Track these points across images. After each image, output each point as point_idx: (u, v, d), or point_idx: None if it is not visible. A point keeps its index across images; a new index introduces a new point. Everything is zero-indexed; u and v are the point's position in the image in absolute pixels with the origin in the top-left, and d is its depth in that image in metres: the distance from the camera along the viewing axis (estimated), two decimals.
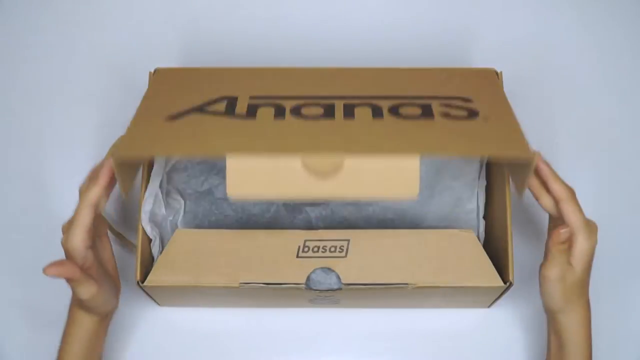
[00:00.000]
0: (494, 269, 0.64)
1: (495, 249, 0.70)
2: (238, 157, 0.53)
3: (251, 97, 0.62)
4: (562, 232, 0.61)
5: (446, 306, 0.75)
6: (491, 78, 0.67)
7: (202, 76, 0.68)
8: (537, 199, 0.62)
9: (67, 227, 0.59)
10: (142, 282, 0.65)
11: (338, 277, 0.64)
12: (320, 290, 0.64)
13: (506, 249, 0.66)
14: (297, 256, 0.64)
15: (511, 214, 0.67)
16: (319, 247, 0.64)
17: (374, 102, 0.61)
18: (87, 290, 0.60)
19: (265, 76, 0.68)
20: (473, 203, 0.72)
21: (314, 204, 0.70)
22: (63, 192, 0.79)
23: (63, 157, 0.81)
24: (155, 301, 0.73)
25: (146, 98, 0.64)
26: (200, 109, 0.60)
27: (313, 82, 0.66)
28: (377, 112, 0.59)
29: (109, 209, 0.78)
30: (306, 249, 0.64)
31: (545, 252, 0.62)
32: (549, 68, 0.83)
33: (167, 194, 0.71)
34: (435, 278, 0.63)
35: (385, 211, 0.71)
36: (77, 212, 0.59)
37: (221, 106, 0.60)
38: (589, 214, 0.75)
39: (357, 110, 0.59)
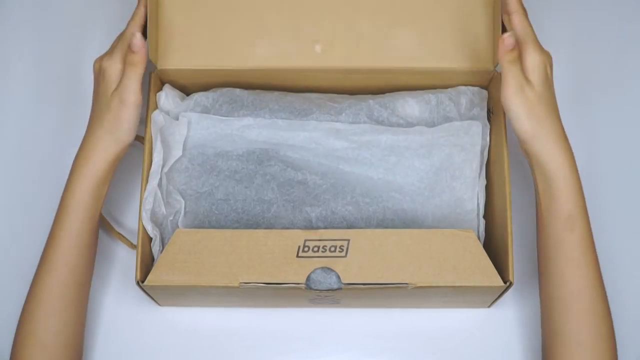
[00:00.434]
0: (494, 268, 0.64)
1: (495, 249, 0.70)
2: None
3: None
4: (506, 37, 0.61)
5: (446, 306, 0.75)
6: None
7: None
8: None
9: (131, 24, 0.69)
10: (142, 282, 0.65)
11: (338, 277, 0.64)
12: (320, 290, 0.64)
13: (506, 249, 0.66)
14: (297, 256, 0.64)
15: (511, 214, 0.67)
16: (319, 247, 0.64)
17: None
18: (138, 87, 0.66)
19: None
20: (473, 203, 0.72)
21: (314, 204, 0.71)
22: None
23: (64, 158, 0.81)
24: (155, 301, 0.73)
25: None
26: None
27: None
28: None
29: (110, 209, 0.78)
30: (306, 249, 0.64)
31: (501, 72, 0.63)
32: None
33: (167, 194, 0.71)
34: (435, 278, 0.63)
35: (385, 211, 0.71)
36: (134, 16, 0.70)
37: None
38: (589, 210, 0.76)
39: None
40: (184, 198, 0.71)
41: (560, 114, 0.66)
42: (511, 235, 0.66)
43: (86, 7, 0.85)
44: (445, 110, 0.73)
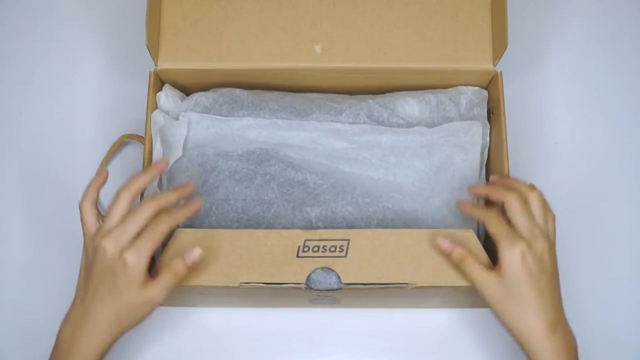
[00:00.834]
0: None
1: (495, 249, 0.70)
2: None
3: None
4: (440, 243, 0.61)
5: (446, 306, 0.75)
6: None
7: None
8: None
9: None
10: None
11: (338, 277, 0.64)
12: (320, 290, 0.64)
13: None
14: (297, 256, 0.64)
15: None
16: (319, 247, 0.64)
17: None
18: (170, 291, 0.60)
19: None
20: (473, 203, 0.72)
21: (314, 204, 0.71)
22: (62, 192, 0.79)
23: (64, 157, 0.81)
24: None
25: None
26: None
27: None
28: None
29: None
30: (306, 249, 0.64)
31: None
32: (549, 68, 0.83)
33: None
34: (435, 278, 0.63)
35: (385, 211, 0.71)
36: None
37: None
38: (588, 215, 0.76)
39: None
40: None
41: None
42: None
43: (86, 7, 0.85)
44: (445, 110, 0.73)
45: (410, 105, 0.73)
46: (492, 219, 0.60)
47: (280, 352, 0.75)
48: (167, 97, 0.73)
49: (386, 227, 0.70)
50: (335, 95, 0.75)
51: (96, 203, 0.63)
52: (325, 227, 0.70)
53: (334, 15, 0.72)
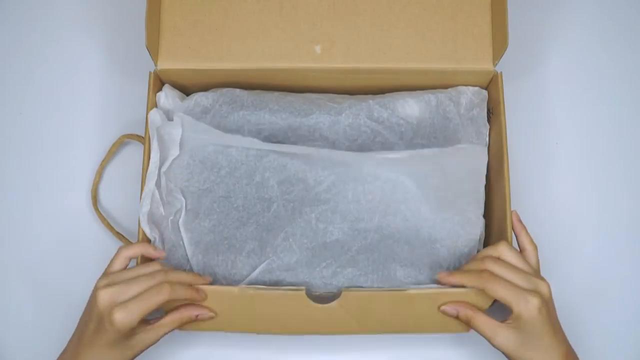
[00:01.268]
0: None
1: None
2: None
3: None
4: (444, 309, 0.64)
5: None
6: None
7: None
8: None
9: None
10: None
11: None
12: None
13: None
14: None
15: (511, 214, 0.67)
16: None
17: None
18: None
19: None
20: (479, 223, 0.72)
21: (313, 203, 0.70)
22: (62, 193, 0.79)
23: (64, 157, 0.81)
24: None
25: None
26: None
27: None
28: None
29: (110, 209, 0.78)
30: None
31: None
32: (549, 68, 0.83)
33: (167, 193, 0.71)
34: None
35: (387, 209, 0.71)
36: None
37: None
38: (588, 215, 0.76)
39: None
40: (184, 196, 0.71)
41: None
42: (511, 235, 0.66)
43: (86, 7, 0.85)
44: (445, 110, 0.73)
45: (410, 106, 0.73)
46: (491, 284, 0.62)
47: (280, 352, 0.75)
48: (167, 97, 0.73)
49: (388, 225, 0.70)
50: (335, 95, 0.75)
51: (129, 261, 0.65)
52: (326, 228, 0.70)
53: (334, 16, 0.72)
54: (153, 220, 0.70)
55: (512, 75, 0.76)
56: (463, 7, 0.72)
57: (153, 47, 0.71)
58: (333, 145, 0.72)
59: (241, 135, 0.72)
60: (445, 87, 0.74)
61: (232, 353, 0.74)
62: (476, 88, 0.74)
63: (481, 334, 0.64)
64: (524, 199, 0.75)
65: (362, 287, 0.68)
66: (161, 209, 0.70)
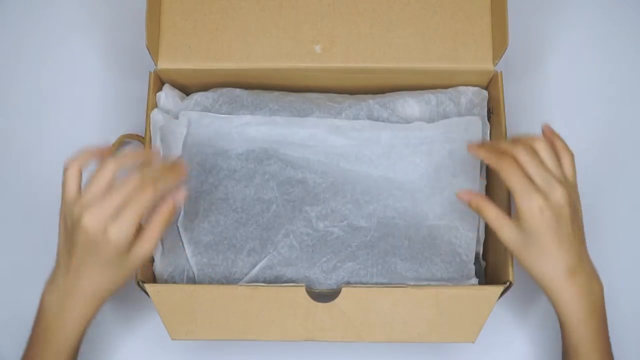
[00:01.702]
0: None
1: (495, 249, 0.70)
2: None
3: None
4: (459, 194, 0.63)
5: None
6: None
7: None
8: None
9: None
10: (142, 282, 0.65)
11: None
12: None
13: (506, 249, 0.66)
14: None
15: (511, 214, 0.67)
16: None
17: None
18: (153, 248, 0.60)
19: None
20: None
21: (313, 203, 0.71)
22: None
23: (64, 157, 0.81)
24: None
25: None
26: None
27: None
28: None
29: None
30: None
31: None
32: (549, 68, 0.83)
33: None
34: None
35: (385, 209, 0.71)
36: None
37: None
38: (588, 215, 0.76)
39: None
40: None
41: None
42: None
43: (86, 7, 0.85)
44: (445, 110, 0.73)
45: (410, 106, 0.73)
46: (507, 168, 0.59)
47: (280, 351, 0.75)
48: (167, 97, 0.73)
49: (387, 225, 0.70)
50: (335, 95, 0.75)
51: (81, 172, 0.60)
52: (326, 227, 0.70)
53: (334, 15, 0.72)
54: None
55: (512, 75, 0.76)
56: (463, 7, 0.72)
57: (153, 47, 0.71)
58: (333, 142, 0.72)
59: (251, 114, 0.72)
60: (445, 87, 0.74)
61: (231, 352, 0.74)
62: (476, 88, 0.74)
63: (490, 225, 0.62)
64: None
65: (362, 281, 0.68)
66: None
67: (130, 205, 0.57)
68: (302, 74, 0.73)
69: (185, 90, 0.76)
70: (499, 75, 0.71)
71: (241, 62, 0.72)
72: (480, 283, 0.71)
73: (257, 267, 0.69)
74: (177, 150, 0.71)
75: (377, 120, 0.72)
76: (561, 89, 0.82)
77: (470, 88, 0.74)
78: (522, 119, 0.80)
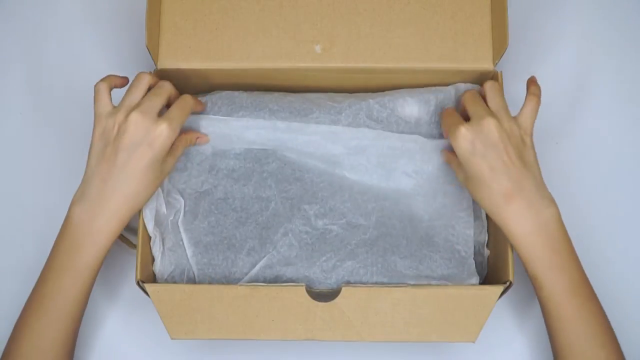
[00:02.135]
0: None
1: (495, 249, 0.70)
2: None
3: None
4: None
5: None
6: None
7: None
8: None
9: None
10: (143, 282, 0.65)
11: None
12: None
13: (506, 249, 0.66)
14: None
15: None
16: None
17: None
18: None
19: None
20: (469, 202, 0.72)
21: (312, 201, 0.71)
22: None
23: (64, 157, 0.81)
24: None
25: None
26: None
27: None
28: None
29: None
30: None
31: None
32: (549, 68, 0.83)
33: (167, 194, 0.71)
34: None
35: (383, 209, 0.71)
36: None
37: None
38: (586, 210, 0.76)
39: None
40: (183, 197, 0.71)
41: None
42: None
43: (86, 7, 0.85)
44: (444, 109, 0.73)
45: (409, 105, 0.73)
46: (444, 113, 0.68)
47: (279, 349, 0.75)
48: None
49: (384, 224, 0.70)
50: (335, 94, 0.75)
51: (110, 90, 0.65)
52: (325, 225, 0.70)
53: (334, 15, 0.72)
54: (157, 218, 0.70)
55: (512, 75, 0.76)
56: (463, 7, 0.72)
57: (153, 47, 0.71)
58: (331, 151, 0.72)
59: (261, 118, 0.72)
60: (445, 86, 0.74)
61: (230, 351, 0.74)
62: (476, 86, 0.74)
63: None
64: None
65: (362, 280, 0.68)
66: (164, 208, 0.70)
67: (176, 106, 0.64)
68: (302, 74, 0.73)
69: (185, 90, 0.76)
70: (499, 75, 0.71)
71: (241, 62, 0.72)
72: (483, 275, 0.71)
73: (257, 267, 0.69)
74: None
75: (376, 119, 0.72)
76: (561, 89, 0.82)
77: (470, 86, 0.74)
78: None
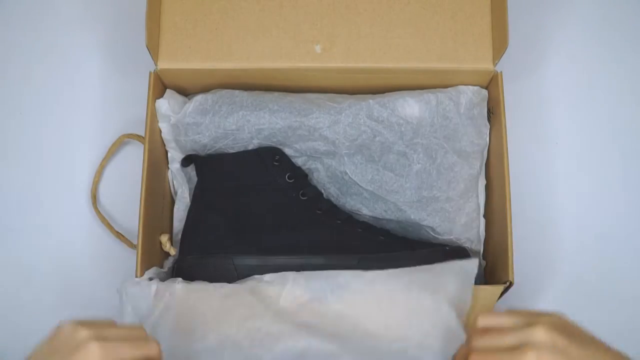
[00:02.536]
0: None
1: (495, 249, 0.70)
2: None
3: None
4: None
5: None
6: None
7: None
8: None
9: None
10: None
11: None
12: None
13: (506, 249, 0.66)
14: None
15: (511, 214, 0.67)
16: None
17: None
18: None
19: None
20: (474, 202, 0.72)
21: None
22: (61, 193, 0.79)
23: (64, 157, 0.81)
24: None
25: None
26: None
27: None
28: None
29: (110, 209, 0.79)
30: None
31: None
32: (549, 68, 0.83)
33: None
34: None
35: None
36: None
37: None
38: (588, 215, 0.75)
39: None
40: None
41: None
42: (511, 235, 0.66)
43: (86, 7, 0.85)
44: (445, 110, 0.73)
45: (410, 105, 0.73)
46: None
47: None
48: (169, 103, 0.73)
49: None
50: (335, 95, 0.75)
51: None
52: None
53: (334, 15, 0.72)
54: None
55: (512, 75, 0.76)
56: (463, 7, 0.72)
57: (153, 47, 0.71)
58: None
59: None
60: (445, 86, 0.74)
61: None
62: (476, 87, 0.74)
63: None
64: (524, 198, 0.75)
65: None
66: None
67: (128, 344, 0.53)
68: (302, 74, 0.73)
69: (185, 91, 0.76)
70: (499, 75, 0.71)
71: (241, 62, 0.72)
72: (480, 283, 0.71)
73: None
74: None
75: (377, 119, 0.72)
76: (561, 89, 0.82)
77: (470, 87, 0.74)
78: (522, 119, 0.80)
